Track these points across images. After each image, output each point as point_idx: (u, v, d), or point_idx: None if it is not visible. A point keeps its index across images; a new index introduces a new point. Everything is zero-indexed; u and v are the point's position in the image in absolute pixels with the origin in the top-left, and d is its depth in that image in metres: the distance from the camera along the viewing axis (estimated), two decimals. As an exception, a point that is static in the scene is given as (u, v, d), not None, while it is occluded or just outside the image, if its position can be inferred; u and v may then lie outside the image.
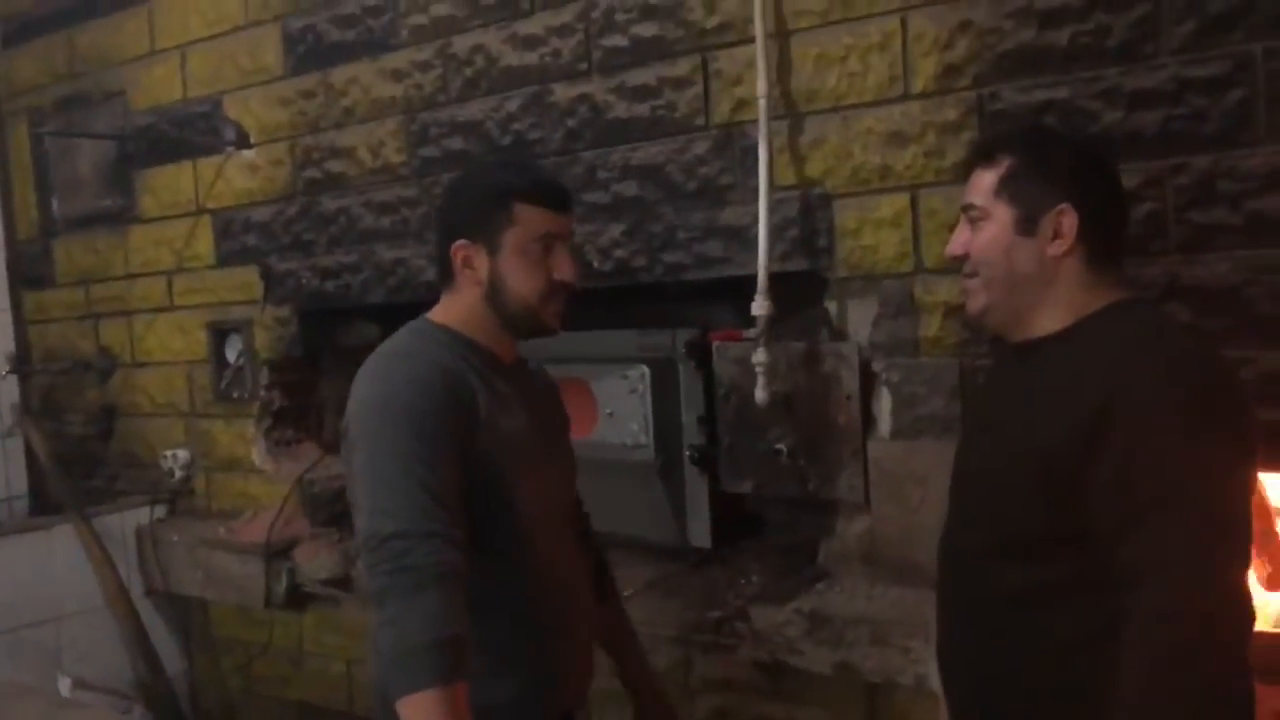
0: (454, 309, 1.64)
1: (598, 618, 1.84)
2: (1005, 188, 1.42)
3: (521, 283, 1.59)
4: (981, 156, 1.47)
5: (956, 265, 1.52)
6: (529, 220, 1.58)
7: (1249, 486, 1.30)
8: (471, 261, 1.60)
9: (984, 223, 1.44)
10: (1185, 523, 1.22)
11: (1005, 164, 1.43)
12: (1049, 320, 1.42)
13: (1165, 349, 1.33)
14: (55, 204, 3.82)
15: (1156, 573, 1.23)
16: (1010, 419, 1.43)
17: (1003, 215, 1.42)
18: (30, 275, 3.93)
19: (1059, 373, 1.36)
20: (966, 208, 1.47)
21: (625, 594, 2.40)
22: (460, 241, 1.60)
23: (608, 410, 2.66)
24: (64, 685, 3.09)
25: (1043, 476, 1.32)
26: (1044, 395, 1.37)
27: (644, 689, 1.92)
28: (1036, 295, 1.42)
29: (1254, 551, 1.92)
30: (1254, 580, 1.94)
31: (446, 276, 1.64)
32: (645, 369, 2.57)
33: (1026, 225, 1.41)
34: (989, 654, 1.42)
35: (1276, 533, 1.98)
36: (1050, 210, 1.40)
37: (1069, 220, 1.39)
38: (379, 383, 1.53)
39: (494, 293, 1.60)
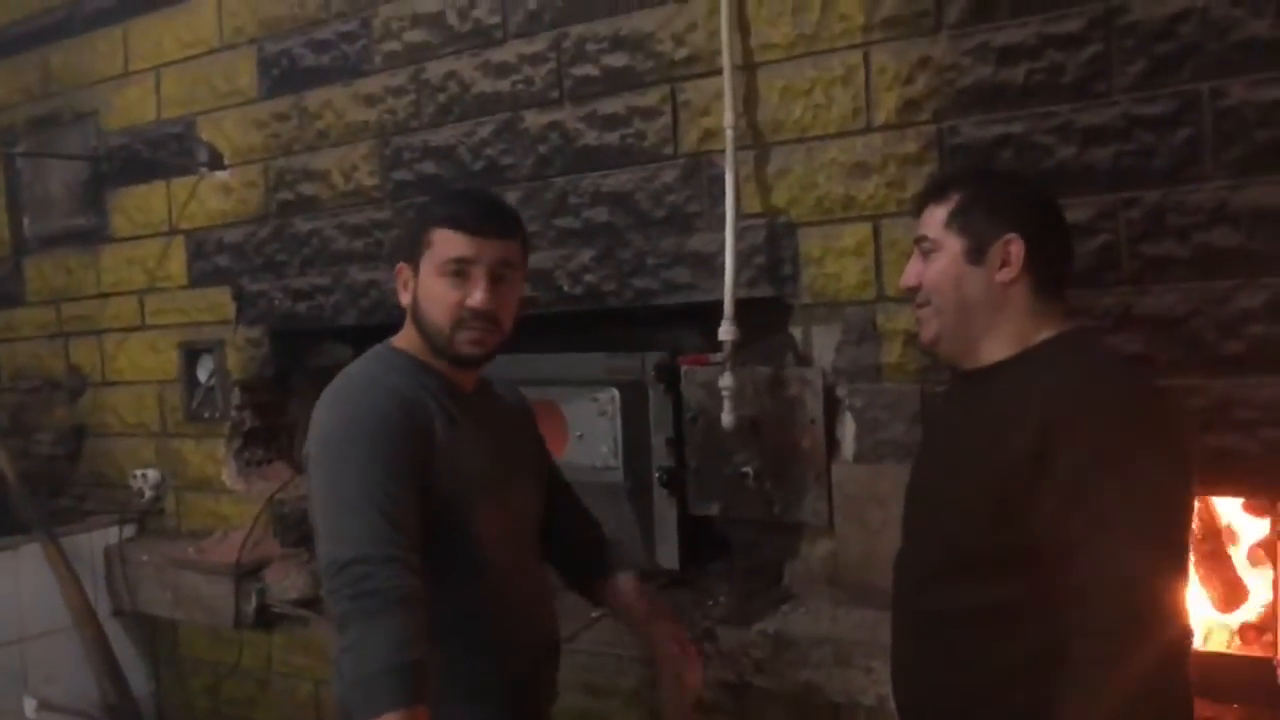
0: (410, 333, 1.67)
1: (607, 597, 1.85)
2: (955, 220, 1.48)
3: (432, 305, 1.60)
4: (934, 193, 1.53)
5: (914, 294, 1.57)
6: (442, 244, 1.59)
7: (1186, 508, 1.36)
8: (407, 284, 1.65)
9: (936, 254, 1.50)
10: (1123, 545, 1.27)
11: (955, 198, 1.49)
12: (998, 348, 1.47)
13: (1106, 379, 1.38)
14: (26, 223, 3.81)
15: (1095, 594, 1.27)
16: (960, 444, 1.48)
17: (953, 246, 1.48)
18: (0, 293, 3.92)
19: (1007, 400, 1.41)
20: (919, 240, 1.53)
21: (593, 615, 2.44)
22: (399, 264, 1.66)
23: (578, 432, 2.69)
24: (29, 706, 3.07)
25: (991, 500, 1.36)
26: (992, 421, 1.41)
27: (660, 646, 1.82)
28: (986, 322, 1.47)
29: (1202, 573, 1.98)
30: (1205, 601, 2.00)
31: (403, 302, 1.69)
32: (615, 392, 2.61)
33: (975, 255, 1.47)
34: (940, 672, 1.46)
35: (1226, 554, 2.04)
36: (998, 240, 1.46)
37: (1016, 249, 1.45)
38: (337, 409, 1.55)
39: (416, 316, 1.64)
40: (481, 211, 1.63)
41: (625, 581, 1.88)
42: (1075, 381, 1.36)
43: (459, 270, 1.58)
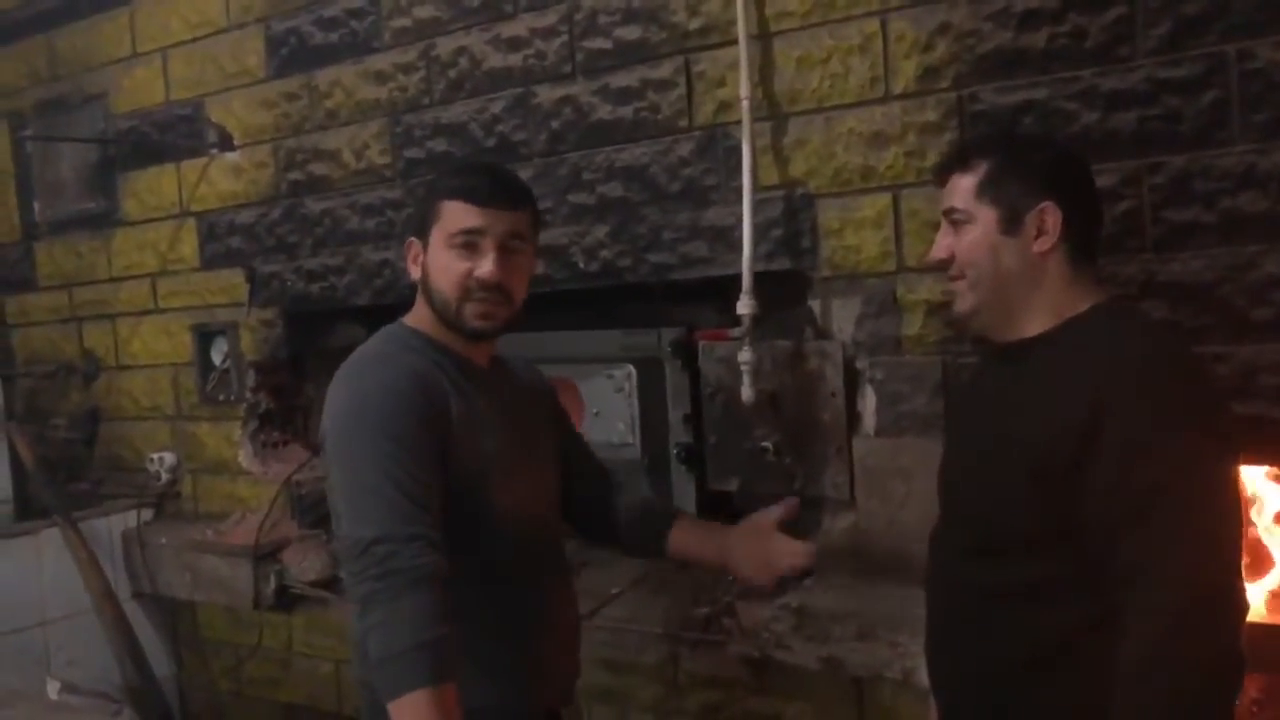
0: (421, 310, 1.66)
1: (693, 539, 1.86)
2: (986, 190, 1.45)
3: (440, 277, 1.59)
4: (957, 162, 1.50)
5: (945, 267, 1.54)
6: (449, 215, 1.58)
7: (1235, 478, 1.34)
8: (416, 258, 1.64)
9: (967, 225, 1.46)
10: (1181, 518, 1.25)
11: (983, 167, 1.46)
12: (1035, 321, 1.44)
13: (1150, 350, 1.36)
14: (37, 207, 3.80)
15: (1155, 569, 1.26)
16: (1000, 419, 1.45)
17: (986, 216, 1.45)
18: (12, 278, 3.91)
19: (1048, 374, 1.39)
20: (948, 211, 1.50)
21: (613, 591, 2.44)
22: (410, 239, 1.65)
23: (594, 410, 2.69)
24: (52, 689, 3.08)
25: (1034, 476, 1.35)
26: (1034, 396, 1.39)
27: (728, 544, 1.85)
28: (1023, 294, 1.45)
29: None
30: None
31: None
32: (631, 368, 2.60)
33: (1010, 225, 1.44)
34: (979, 650, 1.45)
35: (1253, 522, 2.02)
36: (1033, 208, 1.43)
37: (1053, 217, 1.42)
38: (353, 389, 1.54)
39: (425, 288, 1.63)
40: (490, 182, 1.61)
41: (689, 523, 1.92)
42: (1122, 355, 1.34)
43: (468, 242, 1.57)
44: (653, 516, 1.90)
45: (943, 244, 1.50)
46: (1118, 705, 1.27)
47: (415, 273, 1.65)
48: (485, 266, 1.57)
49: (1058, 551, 1.35)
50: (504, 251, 1.58)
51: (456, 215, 1.58)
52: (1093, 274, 1.47)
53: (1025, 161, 1.46)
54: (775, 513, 1.85)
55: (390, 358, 1.58)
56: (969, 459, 1.52)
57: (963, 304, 1.50)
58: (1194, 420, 1.29)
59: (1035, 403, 1.38)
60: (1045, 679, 1.38)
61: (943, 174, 1.54)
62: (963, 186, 1.47)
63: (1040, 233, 1.42)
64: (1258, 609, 1.99)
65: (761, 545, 1.82)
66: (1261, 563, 2.01)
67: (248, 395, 3.29)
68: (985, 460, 1.45)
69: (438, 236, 1.60)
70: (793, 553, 1.80)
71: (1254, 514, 2.04)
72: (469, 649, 1.51)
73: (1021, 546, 1.38)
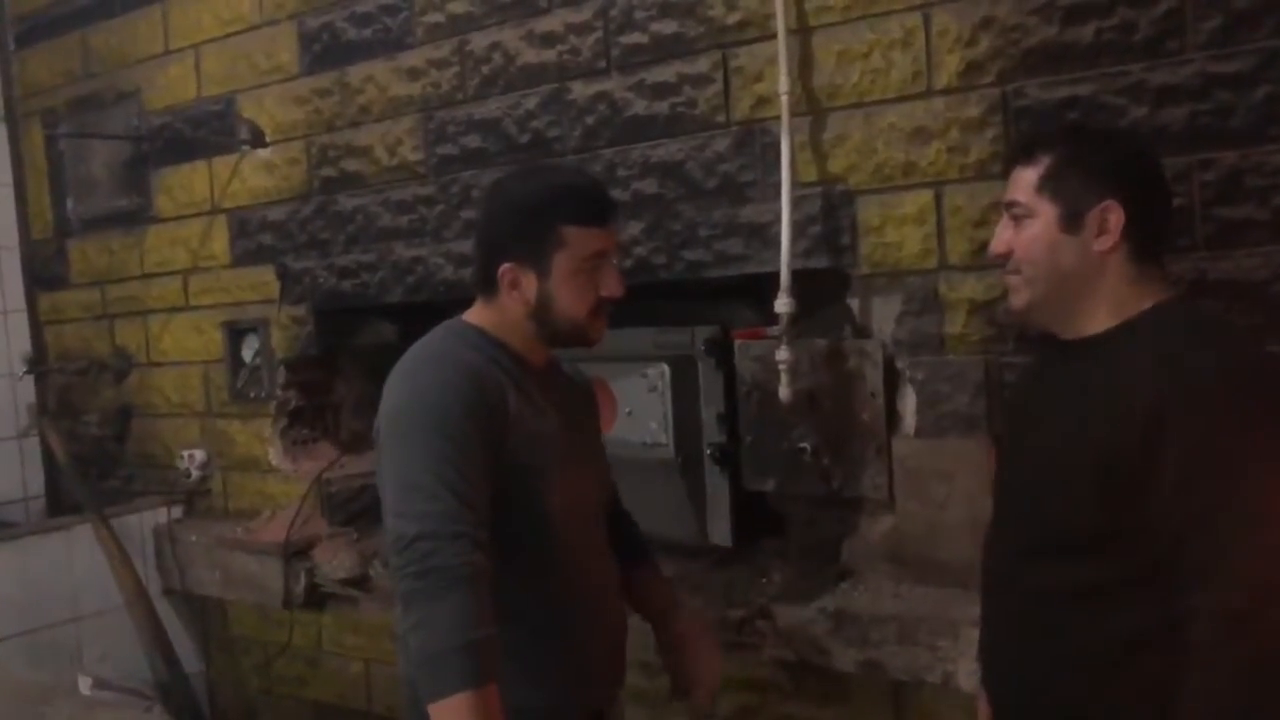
0: (491, 315, 1.63)
1: (650, 590, 1.84)
2: (1048, 185, 1.42)
3: (571, 304, 1.58)
4: (1021, 154, 1.47)
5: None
6: (578, 242, 1.56)
7: None
8: (518, 283, 1.58)
9: (1028, 220, 1.44)
10: (1248, 523, 1.23)
11: (1046, 161, 1.43)
12: (1095, 319, 1.42)
13: (1217, 348, 1.33)
14: (70, 204, 3.81)
15: (1221, 574, 1.23)
16: (1060, 418, 1.42)
17: (1047, 212, 1.42)
18: (45, 276, 3.93)
19: (1110, 372, 1.36)
20: (1009, 205, 1.47)
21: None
22: (507, 265, 1.58)
23: (627, 409, 2.66)
24: (84, 685, 3.09)
25: (1095, 476, 1.32)
26: (1095, 395, 1.36)
27: (683, 644, 1.82)
28: (1081, 292, 1.42)
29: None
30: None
31: (488, 290, 1.62)
32: (665, 367, 2.57)
33: (1071, 222, 1.41)
34: (1036, 653, 1.42)
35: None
36: (1095, 206, 1.40)
37: (1115, 216, 1.39)
38: (408, 385, 1.53)
39: (541, 312, 1.59)
40: (601, 199, 1.63)
41: (651, 573, 1.87)
42: (1184, 354, 1.31)
43: (596, 265, 1.58)
44: (620, 544, 1.83)
45: (1002, 238, 1.48)
46: (1180, 709, 1.25)
47: (514, 297, 1.59)
48: (617, 287, 1.60)
49: (1121, 553, 1.32)
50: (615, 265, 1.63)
51: (584, 241, 1.57)
52: (1158, 272, 1.43)
53: (1089, 157, 1.42)
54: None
55: (447, 354, 1.57)
56: (1029, 459, 1.49)
57: (1018, 300, 1.47)
58: (1258, 425, 1.26)
59: (1096, 401, 1.35)
60: (1107, 683, 1.35)
61: (1006, 165, 1.51)
62: (1025, 180, 1.44)
63: (1101, 232, 1.39)
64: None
65: (705, 649, 1.82)
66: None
67: (278, 392, 3.29)
68: (1047, 460, 1.42)
69: (564, 263, 1.56)
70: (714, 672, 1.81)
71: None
72: (516, 649, 1.49)
73: (1084, 548, 1.35)
